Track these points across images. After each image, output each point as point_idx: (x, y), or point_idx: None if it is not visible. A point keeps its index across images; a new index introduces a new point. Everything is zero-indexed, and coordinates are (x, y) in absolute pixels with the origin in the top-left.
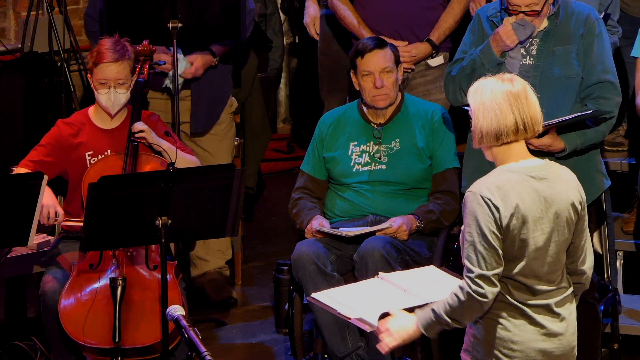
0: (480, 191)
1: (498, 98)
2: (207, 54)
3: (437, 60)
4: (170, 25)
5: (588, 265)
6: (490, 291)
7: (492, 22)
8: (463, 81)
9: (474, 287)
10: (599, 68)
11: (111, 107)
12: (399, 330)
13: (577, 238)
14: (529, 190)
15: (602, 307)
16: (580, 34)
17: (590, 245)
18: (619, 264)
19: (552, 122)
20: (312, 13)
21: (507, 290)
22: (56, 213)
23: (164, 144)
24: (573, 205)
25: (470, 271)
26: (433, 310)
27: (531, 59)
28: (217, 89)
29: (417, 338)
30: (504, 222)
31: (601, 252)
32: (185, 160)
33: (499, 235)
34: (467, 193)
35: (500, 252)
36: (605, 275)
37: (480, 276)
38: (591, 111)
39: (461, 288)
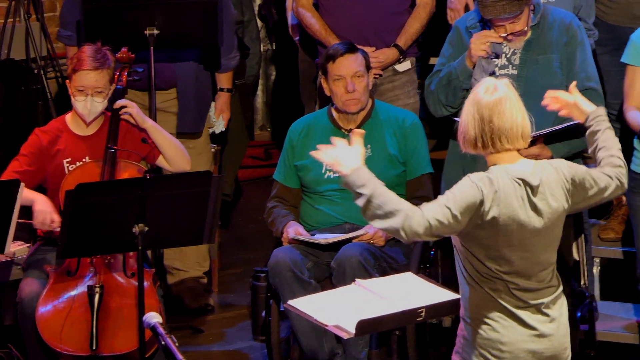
0: (476, 179)
1: (470, 108)
2: (226, 96)
3: (404, 65)
4: (147, 32)
5: (619, 191)
6: (415, 236)
7: (471, 34)
8: (440, 92)
9: (414, 222)
10: (582, 76)
11: (87, 114)
12: (337, 160)
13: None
14: (520, 194)
15: (579, 314)
16: (564, 42)
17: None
18: (595, 270)
19: (540, 133)
20: (290, 22)
21: (496, 290)
22: (52, 219)
23: (149, 122)
24: (563, 206)
25: (424, 212)
26: (370, 184)
27: (514, 68)
28: (203, 91)
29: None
30: (485, 216)
31: (578, 259)
32: (168, 140)
33: (466, 217)
34: (464, 178)
35: (449, 227)
36: (582, 282)
37: (428, 222)
38: (577, 122)
39: (404, 214)
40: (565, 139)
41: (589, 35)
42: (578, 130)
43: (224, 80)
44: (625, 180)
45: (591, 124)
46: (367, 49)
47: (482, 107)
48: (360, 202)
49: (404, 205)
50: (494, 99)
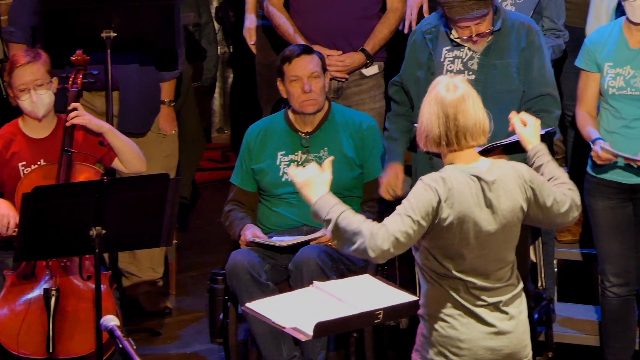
0: (429, 181)
1: (433, 105)
2: (167, 110)
3: (371, 70)
4: (104, 34)
5: (575, 214)
6: (384, 255)
7: (426, 40)
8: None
9: (379, 241)
10: (539, 81)
11: (36, 109)
12: (308, 185)
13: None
14: (475, 191)
15: (536, 316)
16: (522, 47)
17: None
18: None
19: (500, 143)
20: (248, 24)
21: (454, 288)
22: (14, 223)
23: (105, 125)
24: (520, 205)
25: (388, 227)
26: (335, 211)
27: (471, 73)
28: (149, 92)
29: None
30: (442, 215)
31: (535, 261)
32: (124, 142)
33: (428, 221)
34: (417, 182)
35: (415, 235)
36: (540, 284)
37: (393, 237)
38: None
39: (369, 233)
40: (523, 150)
41: (558, 36)
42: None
43: (165, 91)
44: (579, 203)
45: (533, 161)
46: (333, 52)
47: (447, 106)
48: (329, 228)
49: (367, 225)
50: (457, 96)
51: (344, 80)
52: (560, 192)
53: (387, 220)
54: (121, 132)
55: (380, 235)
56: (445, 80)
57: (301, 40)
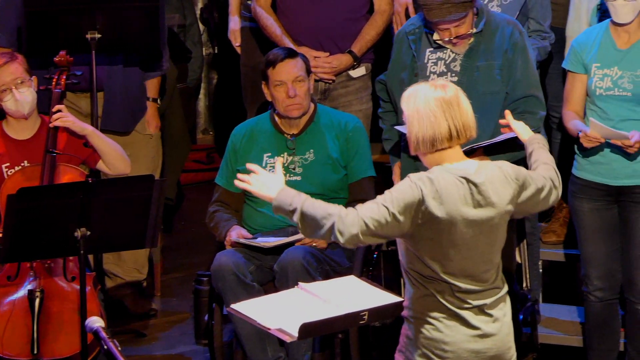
0: (416, 179)
1: (432, 105)
2: (153, 107)
3: (359, 72)
4: (89, 36)
5: (554, 196)
6: (352, 239)
7: (409, 41)
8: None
9: (348, 223)
10: (523, 82)
11: (21, 107)
12: (263, 185)
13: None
14: (463, 192)
15: (521, 317)
16: (505, 49)
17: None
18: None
19: (480, 145)
20: (232, 26)
21: (440, 291)
22: None
23: (88, 128)
24: (507, 206)
25: (359, 212)
26: (298, 200)
27: (453, 75)
28: (133, 92)
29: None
30: (427, 216)
31: (521, 262)
32: (108, 144)
33: (405, 217)
34: (404, 178)
35: (389, 227)
36: (525, 285)
37: (362, 222)
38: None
39: (338, 215)
40: (506, 151)
41: (544, 38)
42: (517, 142)
43: (150, 88)
44: (558, 184)
45: (529, 149)
46: (320, 53)
47: (448, 102)
48: (295, 219)
49: (334, 208)
50: (453, 92)
51: (331, 82)
52: (541, 175)
53: (360, 205)
54: (105, 131)
55: (349, 218)
56: (431, 83)
57: (288, 42)
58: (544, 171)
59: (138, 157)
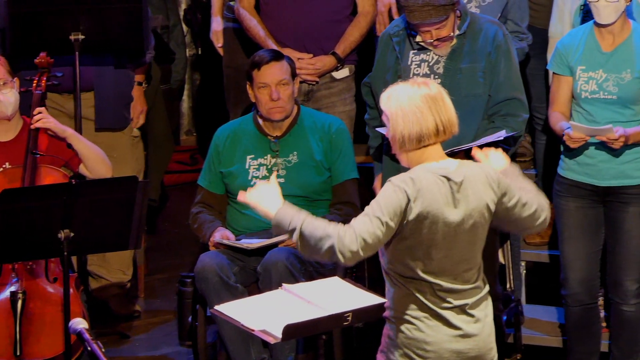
0: (398, 182)
1: (417, 101)
2: (138, 89)
3: (342, 73)
4: (72, 37)
5: (542, 217)
6: (353, 257)
7: (393, 43)
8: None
9: (347, 242)
10: (506, 85)
11: (4, 108)
12: (264, 199)
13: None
14: (443, 191)
15: (505, 318)
16: (488, 51)
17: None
18: (521, 274)
19: (461, 148)
20: (214, 27)
21: (421, 291)
22: None
23: (69, 130)
24: (487, 206)
25: (355, 229)
26: (297, 219)
27: (437, 77)
28: (123, 91)
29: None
30: (411, 215)
31: (504, 263)
32: (89, 148)
33: (396, 222)
34: (386, 183)
35: (384, 236)
36: (508, 286)
37: (361, 238)
38: (502, 137)
39: (336, 235)
40: None
41: (522, 39)
42: (499, 145)
43: (136, 74)
44: (546, 206)
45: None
46: (304, 55)
47: (433, 98)
48: (294, 238)
49: (332, 229)
50: (437, 88)
51: (314, 83)
52: (527, 196)
53: (354, 221)
54: (100, 129)
55: (347, 237)
56: (413, 81)
57: (272, 43)
58: (531, 194)
59: (123, 159)
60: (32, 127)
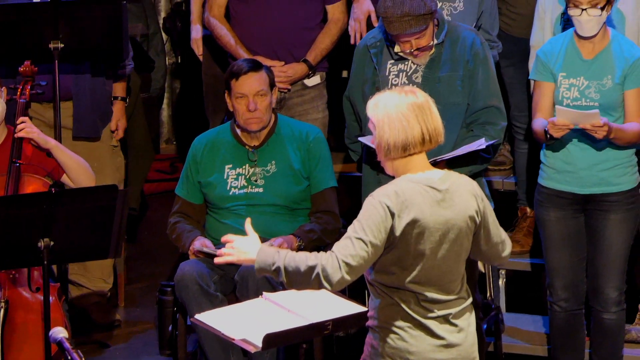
0: (379, 197)
1: (404, 109)
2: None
3: (313, 80)
4: (51, 45)
5: (507, 252)
6: (340, 282)
7: (370, 54)
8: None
9: (330, 270)
10: (484, 93)
11: None
12: (241, 250)
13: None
14: (428, 200)
15: (485, 326)
16: (466, 60)
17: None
18: (501, 282)
19: (442, 158)
20: (194, 35)
21: (405, 300)
22: None
23: (51, 141)
24: (471, 216)
25: (337, 254)
26: (278, 258)
27: (415, 86)
28: (101, 99)
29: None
30: (398, 229)
31: (484, 272)
32: (71, 158)
33: (382, 239)
34: (367, 198)
35: (371, 256)
36: (488, 294)
37: (344, 263)
38: (483, 146)
39: (320, 266)
40: (468, 163)
41: (492, 47)
42: (479, 155)
43: (117, 88)
44: (509, 247)
45: None
46: (275, 63)
47: (420, 106)
48: (281, 277)
49: (314, 259)
50: (423, 98)
51: (286, 91)
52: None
53: (336, 246)
54: (77, 138)
55: (330, 266)
56: (393, 92)
57: (243, 52)
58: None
59: (104, 168)
60: (16, 136)
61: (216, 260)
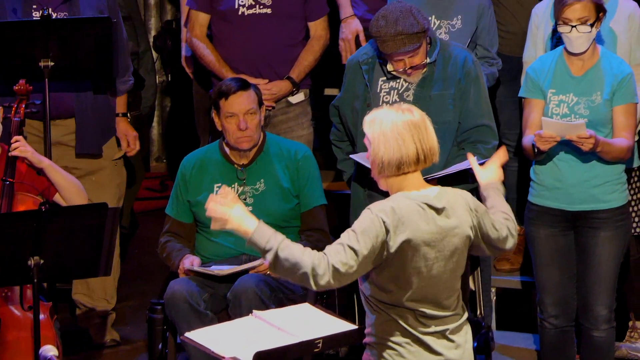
0: (377, 211)
1: (399, 128)
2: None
3: (297, 97)
4: (42, 64)
5: (510, 244)
6: (325, 286)
7: (362, 71)
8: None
9: (320, 272)
10: (475, 112)
11: None
12: (238, 219)
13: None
14: (424, 218)
15: (475, 344)
16: (458, 78)
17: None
18: (492, 300)
19: (434, 176)
20: (184, 54)
21: (402, 317)
22: None
23: (45, 161)
24: (467, 234)
25: (329, 258)
26: (275, 240)
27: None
28: (103, 115)
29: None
30: (393, 246)
31: (474, 289)
32: (65, 178)
33: (373, 253)
34: (364, 210)
35: (359, 268)
36: (478, 312)
37: (334, 268)
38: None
39: (311, 264)
40: (459, 182)
41: (491, 64)
42: (469, 173)
43: (119, 104)
44: (514, 232)
45: (485, 193)
46: (259, 81)
47: (416, 125)
48: (268, 257)
49: (307, 257)
50: (420, 115)
51: (270, 108)
52: (498, 220)
53: (329, 249)
54: (80, 155)
55: (321, 267)
56: (391, 109)
57: (227, 71)
58: (501, 218)
59: (105, 184)
60: (10, 154)
61: (213, 226)
